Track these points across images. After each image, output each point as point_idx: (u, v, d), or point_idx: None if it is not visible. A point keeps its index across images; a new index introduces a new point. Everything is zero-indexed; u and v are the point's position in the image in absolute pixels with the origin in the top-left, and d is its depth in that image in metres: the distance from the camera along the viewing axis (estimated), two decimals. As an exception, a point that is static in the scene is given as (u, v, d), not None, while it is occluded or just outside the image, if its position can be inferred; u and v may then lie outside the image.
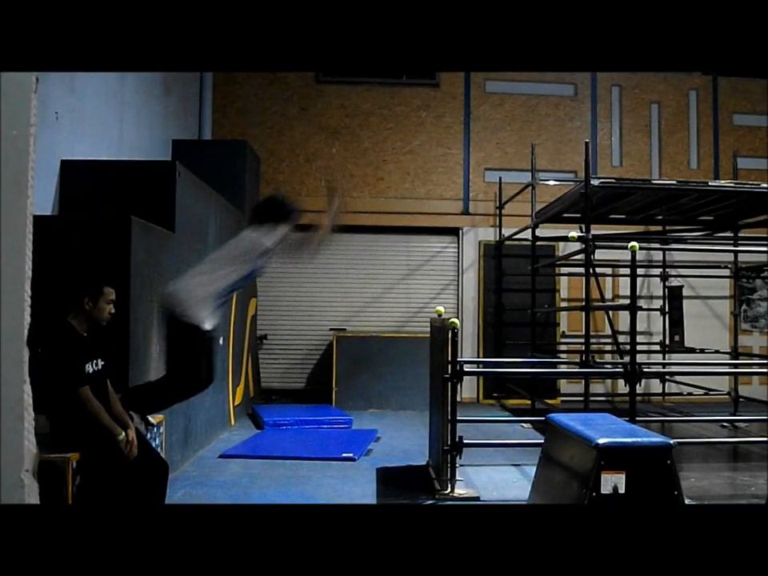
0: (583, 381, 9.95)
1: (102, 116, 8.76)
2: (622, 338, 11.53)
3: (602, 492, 4.99)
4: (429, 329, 8.34)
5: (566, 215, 11.47)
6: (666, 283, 13.65)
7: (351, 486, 7.23)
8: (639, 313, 13.24)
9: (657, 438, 5.33)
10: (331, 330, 13.76)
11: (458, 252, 14.45)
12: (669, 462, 5.10)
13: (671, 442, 5.22)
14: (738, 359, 12.11)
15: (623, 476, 5.01)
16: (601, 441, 5.10)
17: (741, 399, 11.60)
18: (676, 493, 5.08)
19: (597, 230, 10.27)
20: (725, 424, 10.37)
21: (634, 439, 5.27)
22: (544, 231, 12.05)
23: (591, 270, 9.40)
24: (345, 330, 13.69)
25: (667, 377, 13.01)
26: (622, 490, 4.99)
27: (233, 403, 10.78)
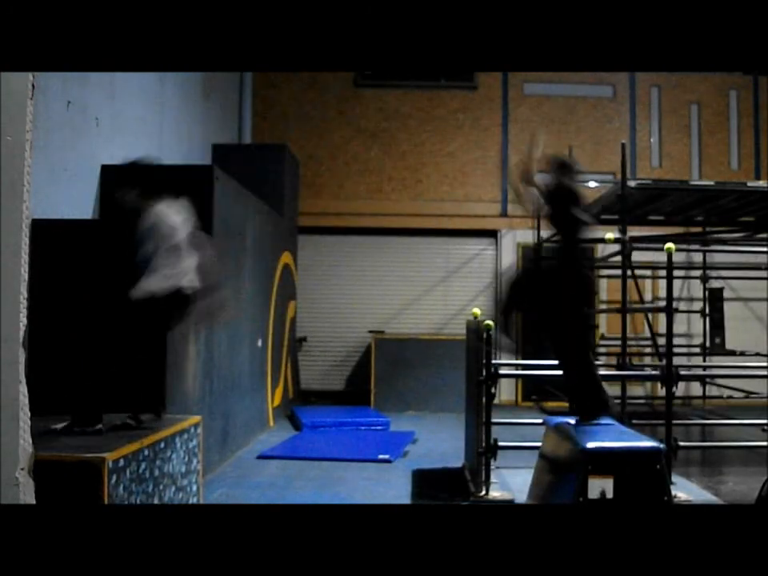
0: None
1: (142, 121, 8.89)
2: (661, 341, 11.44)
3: (589, 497, 4.97)
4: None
5: (603, 216, 11.40)
6: (707, 285, 13.51)
7: (386, 487, 7.26)
8: (680, 315, 13.16)
9: (646, 443, 5.28)
10: (369, 332, 13.80)
11: (497, 254, 14.43)
12: (658, 466, 5.07)
13: (661, 446, 5.19)
14: (779, 362, 11.94)
15: (611, 481, 4.98)
16: (589, 445, 5.09)
17: (783, 402, 11.44)
18: (666, 498, 5.05)
19: (635, 231, 10.21)
20: (765, 428, 10.24)
21: (622, 444, 5.24)
22: (582, 233, 11.99)
23: (629, 272, 9.34)
24: (383, 332, 13.72)
25: (707, 379, 12.89)
26: (609, 495, 4.96)
27: (271, 405, 10.87)
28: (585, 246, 5.83)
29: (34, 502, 3.43)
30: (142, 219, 5.41)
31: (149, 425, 5.46)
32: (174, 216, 5.59)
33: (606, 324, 14.22)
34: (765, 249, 10.35)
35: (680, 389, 11.20)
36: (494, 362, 7.07)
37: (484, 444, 6.94)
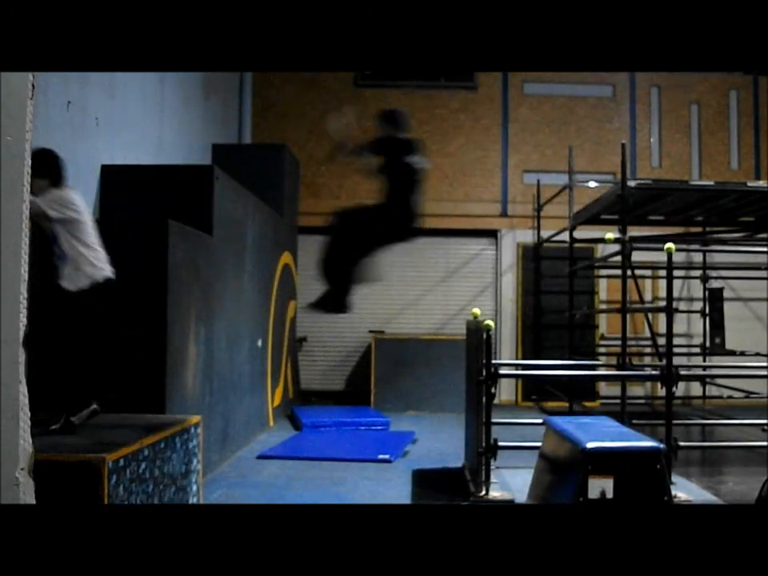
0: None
1: (143, 121, 8.89)
2: (661, 341, 11.44)
3: (589, 497, 4.97)
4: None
5: (603, 217, 11.41)
6: (707, 285, 13.51)
7: (386, 487, 7.26)
8: (680, 315, 13.16)
9: (646, 443, 5.29)
10: (370, 332, 13.80)
11: (497, 254, 14.44)
12: (658, 466, 5.07)
13: (661, 446, 5.19)
14: (779, 362, 11.93)
15: (611, 481, 4.98)
16: (589, 445, 5.09)
17: (783, 402, 11.43)
18: (666, 498, 5.06)
19: (636, 231, 10.22)
20: (765, 428, 10.23)
21: (622, 444, 5.24)
22: (582, 233, 12.00)
23: (629, 272, 9.34)
24: (383, 332, 13.72)
25: (707, 379, 12.89)
26: (609, 495, 4.97)
27: (272, 404, 10.87)
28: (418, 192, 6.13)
29: (34, 502, 3.43)
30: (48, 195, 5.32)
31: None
32: (79, 199, 5.53)
33: (606, 324, 14.22)
34: (765, 249, 10.35)
35: (680, 389, 11.23)
36: (494, 362, 7.06)
37: (484, 444, 6.94)
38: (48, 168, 5.41)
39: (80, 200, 5.51)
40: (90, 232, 5.49)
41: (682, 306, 13.81)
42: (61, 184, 5.46)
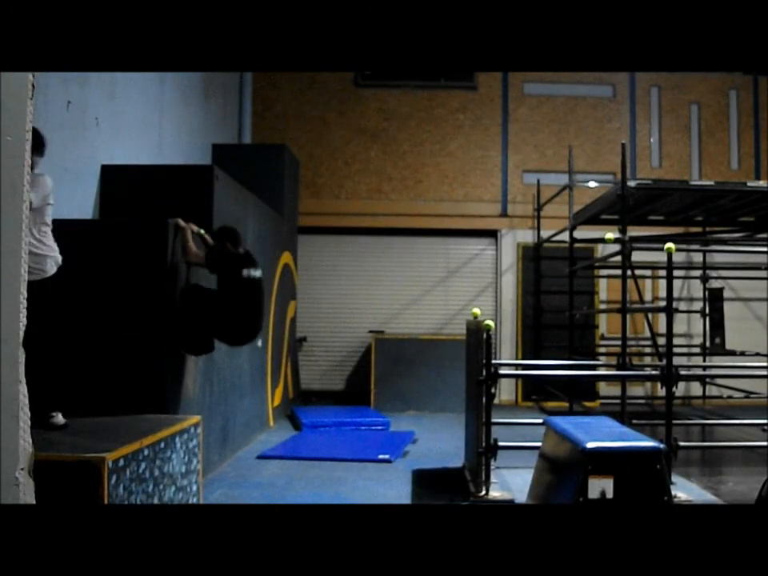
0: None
1: (143, 121, 8.89)
2: (661, 341, 11.43)
3: (589, 497, 4.97)
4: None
5: (603, 217, 11.42)
6: (707, 285, 13.51)
7: (386, 487, 7.26)
8: (680, 315, 13.17)
9: (646, 443, 5.29)
10: (370, 332, 13.81)
11: (497, 254, 14.44)
12: (658, 466, 5.08)
13: (661, 446, 5.19)
14: (779, 362, 11.93)
15: (611, 481, 4.99)
16: (589, 445, 5.09)
17: (783, 402, 11.42)
18: (666, 498, 5.06)
19: (636, 231, 10.22)
20: (765, 428, 10.23)
21: (622, 444, 5.25)
22: (582, 233, 12.00)
23: (629, 272, 9.34)
24: (383, 332, 13.73)
25: (707, 379, 12.89)
26: (609, 495, 4.97)
27: (272, 404, 10.87)
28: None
29: (34, 502, 3.43)
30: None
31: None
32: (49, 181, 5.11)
33: (606, 324, 14.22)
34: (765, 249, 10.35)
35: (680, 389, 11.25)
36: (494, 362, 7.07)
37: (484, 444, 6.94)
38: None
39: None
40: (50, 214, 5.15)
41: (682, 306, 13.82)
42: (36, 166, 4.90)
